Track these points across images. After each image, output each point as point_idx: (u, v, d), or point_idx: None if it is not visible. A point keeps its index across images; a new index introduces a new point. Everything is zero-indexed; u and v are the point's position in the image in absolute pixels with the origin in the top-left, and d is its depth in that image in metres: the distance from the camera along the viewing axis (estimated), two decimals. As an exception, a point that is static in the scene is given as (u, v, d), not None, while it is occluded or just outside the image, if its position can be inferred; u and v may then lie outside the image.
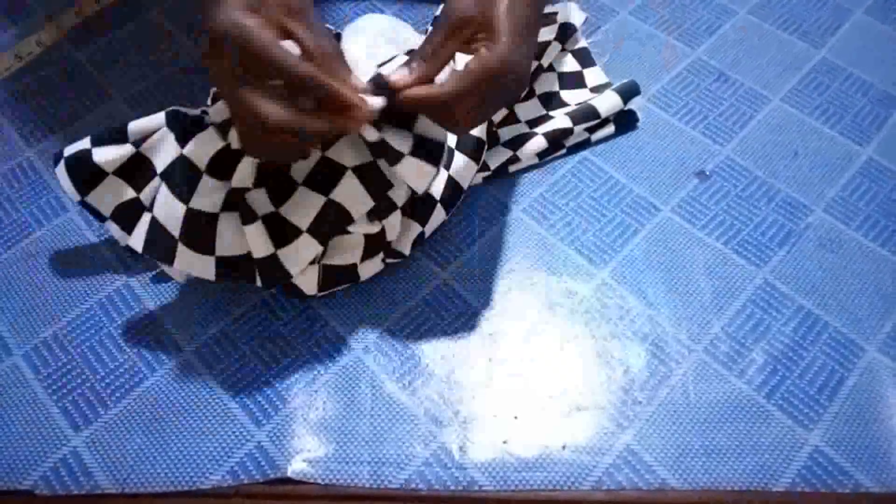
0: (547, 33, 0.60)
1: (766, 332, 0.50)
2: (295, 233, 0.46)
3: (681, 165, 0.59)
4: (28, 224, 0.56)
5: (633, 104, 0.61)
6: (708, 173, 0.58)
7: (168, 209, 0.46)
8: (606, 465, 0.45)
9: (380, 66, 0.49)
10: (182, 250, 0.46)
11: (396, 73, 0.41)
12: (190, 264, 0.47)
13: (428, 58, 0.42)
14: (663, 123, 0.61)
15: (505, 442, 0.46)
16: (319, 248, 0.47)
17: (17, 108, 0.63)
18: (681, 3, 0.70)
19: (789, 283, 0.52)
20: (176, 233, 0.46)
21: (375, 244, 0.50)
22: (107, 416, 0.48)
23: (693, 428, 0.47)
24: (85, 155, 0.48)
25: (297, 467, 0.45)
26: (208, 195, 0.46)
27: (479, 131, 0.54)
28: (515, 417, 0.47)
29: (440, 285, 0.53)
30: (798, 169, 0.58)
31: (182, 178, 0.46)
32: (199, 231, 0.46)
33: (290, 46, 0.39)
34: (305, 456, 0.46)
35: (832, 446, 0.46)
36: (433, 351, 0.50)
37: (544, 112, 0.60)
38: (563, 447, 0.46)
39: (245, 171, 0.46)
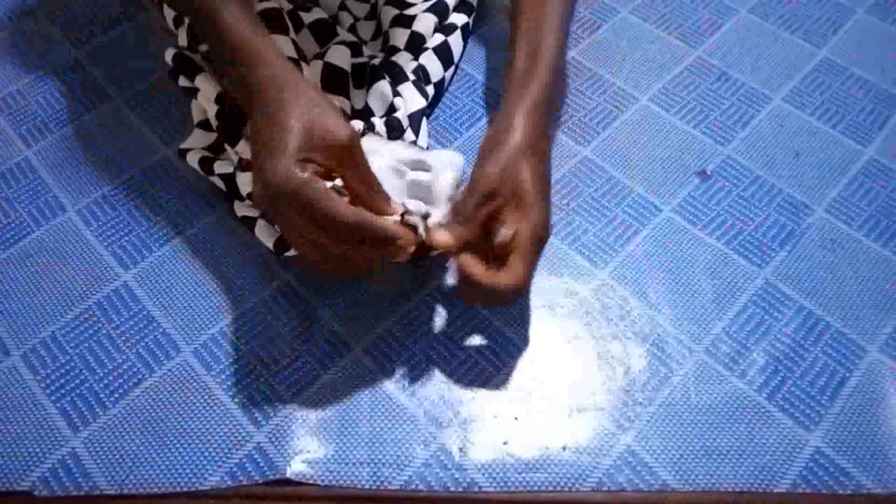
0: None
1: (768, 333, 0.50)
2: None
3: (682, 165, 0.58)
4: (26, 224, 0.56)
5: (634, 104, 0.61)
6: (709, 173, 0.58)
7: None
8: (607, 466, 0.45)
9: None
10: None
11: (439, 233, 0.46)
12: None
13: (465, 223, 0.46)
14: (664, 123, 0.61)
15: (505, 443, 0.46)
16: None
17: (16, 108, 0.63)
18: (681, 1, 0.69)
19: (791, 284, 0.52)
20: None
21: None
22: (105, 417, 0.47)
23: (694, 429, 0.46)
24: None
25: (296, 468, 0.45)
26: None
27: None
28: (515, 418, 0.47)
29: (440, 285, 0.52)
30: (799, 169, 0.58)
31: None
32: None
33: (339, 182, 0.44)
34: (305, 457, 0.45)
35: (833, 447, 0.46)
36: (433, 351, 0.50)
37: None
38: (564, 448, 0.46)
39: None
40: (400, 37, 0.60)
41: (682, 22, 0.68)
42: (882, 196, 0.56)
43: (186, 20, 0.60)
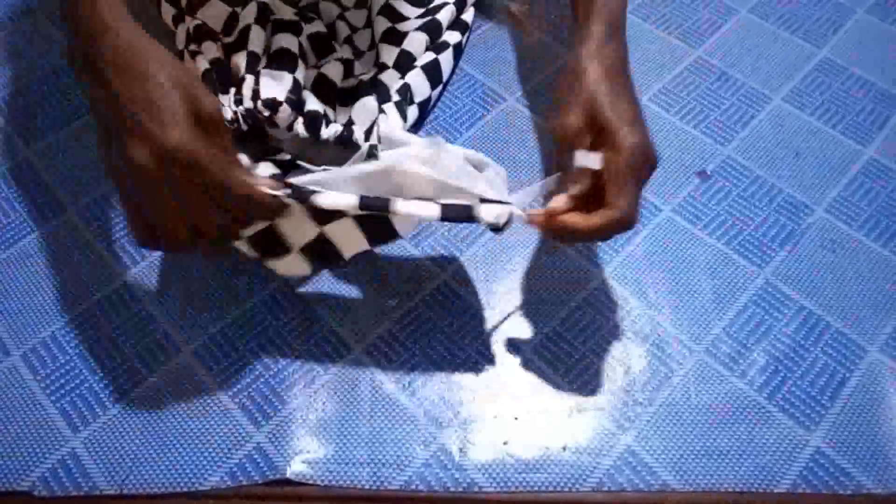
0: None
1: (768, 333, 0.50)
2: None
3: (682, 165, 0.58)
4: (27, 224, 0.56)
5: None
6: (709, 173, 0.58)
7: None
8: (607, 467, 0.45)
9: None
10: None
11: (557, 201, 0.43)
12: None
13: (579, 178, 0.43)
14: (664, 123, 0.61)
15: (505, 443, 0.46)
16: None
17: (16, 108, 0.63)
18: (682, 1, 0.69)
19: (791, 284, 0.52)
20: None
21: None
22: (105, 417, 0.47)
23: (694, 429, 0.46)
24: None
25: (296, 468, 0.45)
26: None
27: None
28: (515, 418, 0.47)
29: (440, 285, 0.52)
30: (799, 169, 0.58)
31: None
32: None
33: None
34: (305, 457, 0.45)
35: (833, 447, 0.46)
36: (433, 351, 0.50)
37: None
38: (564, 448, 0.46)
39: None
40: (389, 54, 0.60)
41: (682, 22, 0.68)
42: (882, 196, 0.56)
43: (186, 19, 0.60)
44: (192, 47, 0.58)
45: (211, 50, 0.57)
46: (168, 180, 0.39)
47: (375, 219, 0.46)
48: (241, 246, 0.47)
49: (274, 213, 0.43)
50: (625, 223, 0.42)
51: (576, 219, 0.42)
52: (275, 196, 0.42)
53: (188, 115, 0.39)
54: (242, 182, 0.40)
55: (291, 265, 0.49)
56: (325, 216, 0.46)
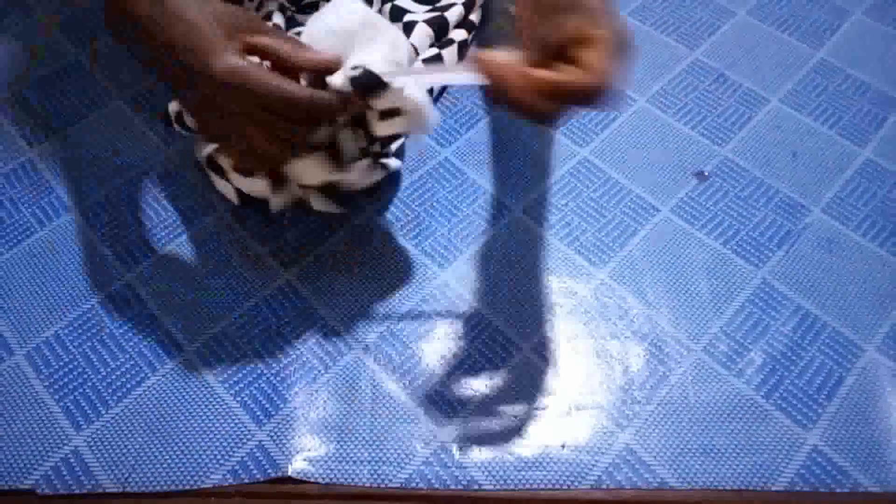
0: None
1: (765, 332, 0.50)
2: None
3: (680, 166, 0.59)
4: (30, 224, 0.56)
5: (633, 106, 0.61)
6: (707, 174, 0.58)
7: None
8: (606, 465, 0.45)
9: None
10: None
11: (492, 56, 0.38)
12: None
13: (525, 47, 0.39)
14: (662, 124, 0.61)
15: (505, 441, 0.46)
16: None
17: (18, 109, 0.63)
18: (680, 3, 0.70)
19: (788, 284, 0.53)
20: None
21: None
22: (108, 416, 0.48)
23: (692, 427, 0.47)
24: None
25: (297, 466, 0.45)
26: None
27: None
28: (515, 416, 0.47)
29: (440, 285, 0.53)
30: (797, 169, 0.58)
31: None
32: None
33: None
34: (306, 455, 0.46)
35: (831, 446, 0.46)
36: (433, 351, 0.50)
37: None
38: (563, 446, 0.46)
39: None
40: None
41: (680, 24, 0.68)
42: (879, 196, 0.57)
43: None
44: None
45: None
46: (232, 108, 0.41)
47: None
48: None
49: (335, 110, 0.43)
50: (601, 85, 0.37)
51: (545, 72, 0.37)
52: (331, 93, 0.42)
53: (226, 37, 0.41)
54: (294, 88, 0.41)
55: (289, 194, 0.51)
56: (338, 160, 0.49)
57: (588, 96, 0.37)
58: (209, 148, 0.53)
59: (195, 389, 0.48)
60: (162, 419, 0.47)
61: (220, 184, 0.54)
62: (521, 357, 0.50)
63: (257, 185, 0.51)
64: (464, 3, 0.63)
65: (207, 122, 0.44)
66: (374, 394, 0.48)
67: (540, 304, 0.52)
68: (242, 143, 0.43)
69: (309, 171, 0.48)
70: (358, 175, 0.51)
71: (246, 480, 0.45)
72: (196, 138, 0.54)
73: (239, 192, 0.53)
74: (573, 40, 0.38)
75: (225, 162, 0.52)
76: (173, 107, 0.52)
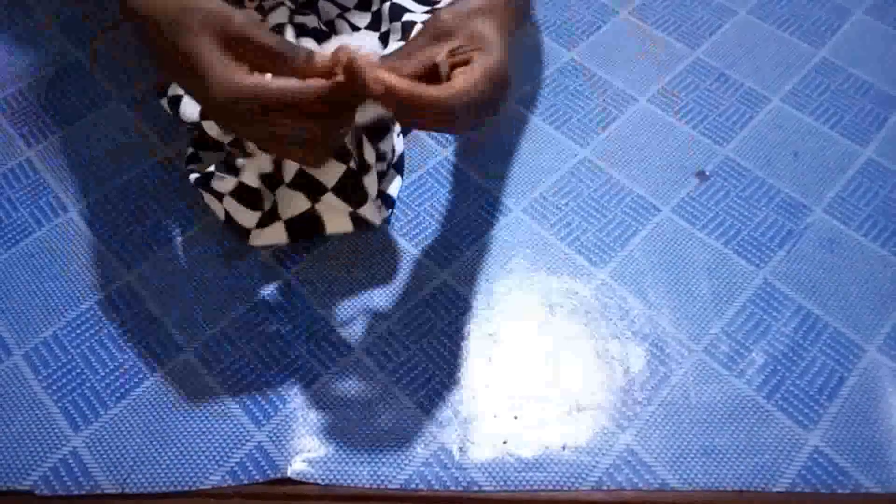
0: None
1: (766, 333, 0.50)
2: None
3: (681, 166, 0.59)
4: (28, 224, 0.56)
5: (633, 105, 0.61)
6: (708, 173, 0.58)
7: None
8: (606, 466, 0.45)
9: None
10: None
11: (367, 57, 0.40)
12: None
13: (404, 56, 0.43)
14: (663, 123, 0.61)
15: (505, 442, 0.46)
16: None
17: (17, 108, 0.63)
18: (681, 3, 0.70)
19: (789, 284, 0.52)
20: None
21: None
22: (107, 417, 0.48)
23: (693, 428, 0.47)
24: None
25: (297, 468, 0.45)
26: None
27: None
28: (515, 417, 0.47)
29: (440, 285, 0.53)
30: (798, 169, 0.58)
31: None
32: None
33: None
34: (305, 456, 0.46)
35: (832, 447, 0.46)
36: (433, 351, 0.50)
37: None
38: (563, 447, 0.46)
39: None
40: (392, 46, 0.60)
41: (680, 23, 0.68)
42: (880, 196, 0.57)
43: None
44: None
45: None
46: (247, 117, 0.41)
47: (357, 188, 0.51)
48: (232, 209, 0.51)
49: (352, 86, 0.40)
50: (445, 105, 0.39)
51: (399, 80, 0.39)
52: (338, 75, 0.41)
53: (221, 54, 0.40)
54: (294, 84, 0.40)
55: (272, 235, 0.53)
56: (318, 190, 0.51)
57: (440, 111, 0.39)
58: (197, 173, 0.54)
59: (194, 390, 0.48)
60: (161, 420, 0.47)
61: (214, 203, 0.54)
62: (522, 357, 0.49)
63: (246, 218, 0.52)
64: None
65: (238, 131, 0.45)
66: (373, 395, 0.48)
67: (541, 305, 0.52)
68: (284, 136, 0.42)
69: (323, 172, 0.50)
70: (370, 213, 0.53)
71: (245, 482, 0.45)
72: (183, 164, 0.56)
73: (227, 213, 0.53)
74: (453, 64, 0.42)
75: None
76: (172, 91, 0.54)
